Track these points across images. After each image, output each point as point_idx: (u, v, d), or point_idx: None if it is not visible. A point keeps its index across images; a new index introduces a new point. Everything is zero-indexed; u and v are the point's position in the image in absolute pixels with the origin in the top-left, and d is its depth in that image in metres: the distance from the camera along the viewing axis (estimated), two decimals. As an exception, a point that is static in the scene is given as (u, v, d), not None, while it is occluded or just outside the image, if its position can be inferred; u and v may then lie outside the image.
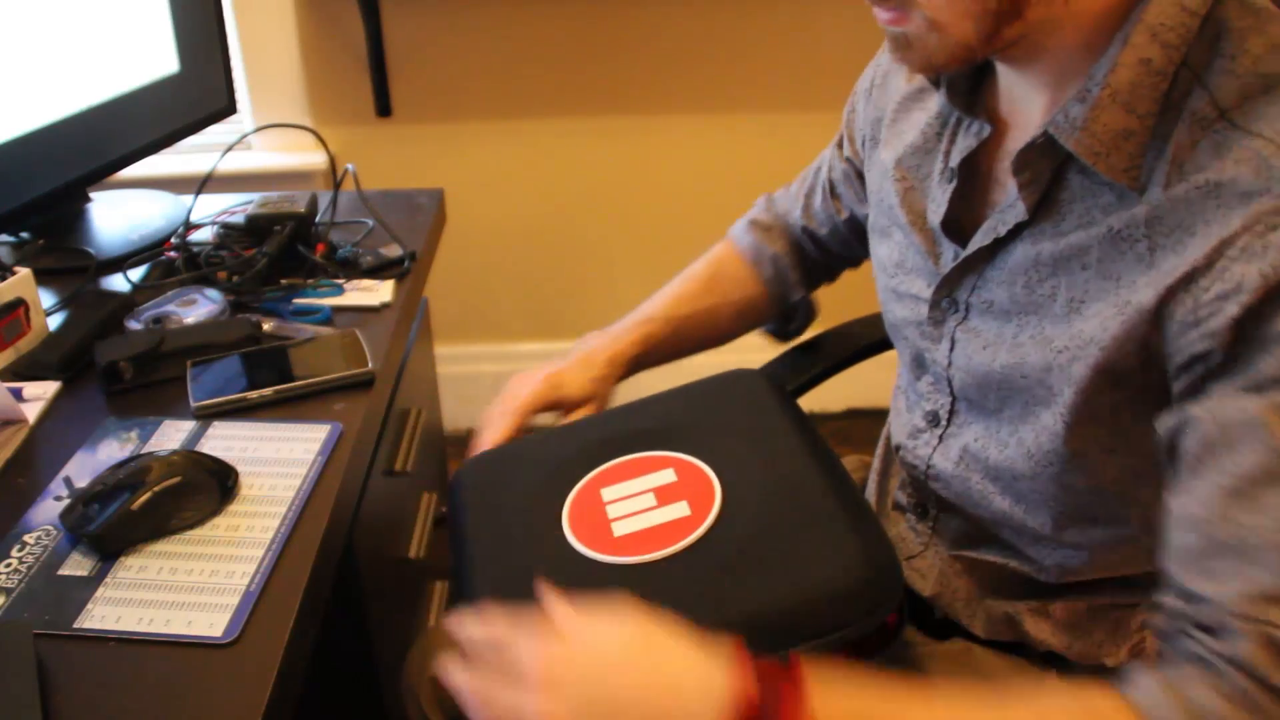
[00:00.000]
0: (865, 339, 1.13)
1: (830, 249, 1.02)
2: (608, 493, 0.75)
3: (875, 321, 0.97)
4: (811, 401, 1.11)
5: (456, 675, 0.61)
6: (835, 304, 1.29)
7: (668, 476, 0.74)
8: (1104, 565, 0.77)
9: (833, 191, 0.98)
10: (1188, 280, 0.59)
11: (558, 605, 0.61)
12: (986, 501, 0.78)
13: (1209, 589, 0.56)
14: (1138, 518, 0.72)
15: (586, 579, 0.68)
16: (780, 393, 0.84)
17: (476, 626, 0.63)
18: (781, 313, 1.07)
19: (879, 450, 0.96)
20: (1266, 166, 0.56)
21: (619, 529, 0.71)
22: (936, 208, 0.76)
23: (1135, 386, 0.64)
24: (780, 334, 1.10)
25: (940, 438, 0.81)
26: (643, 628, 0.59)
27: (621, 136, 1.93)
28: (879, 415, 0.93)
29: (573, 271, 2.06)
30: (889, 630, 0.67)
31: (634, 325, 0.99)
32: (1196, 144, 0.60)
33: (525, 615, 0.62)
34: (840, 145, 0.96)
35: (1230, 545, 0.56)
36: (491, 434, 0.89)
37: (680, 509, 0.71)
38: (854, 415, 2.12)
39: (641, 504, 0.73)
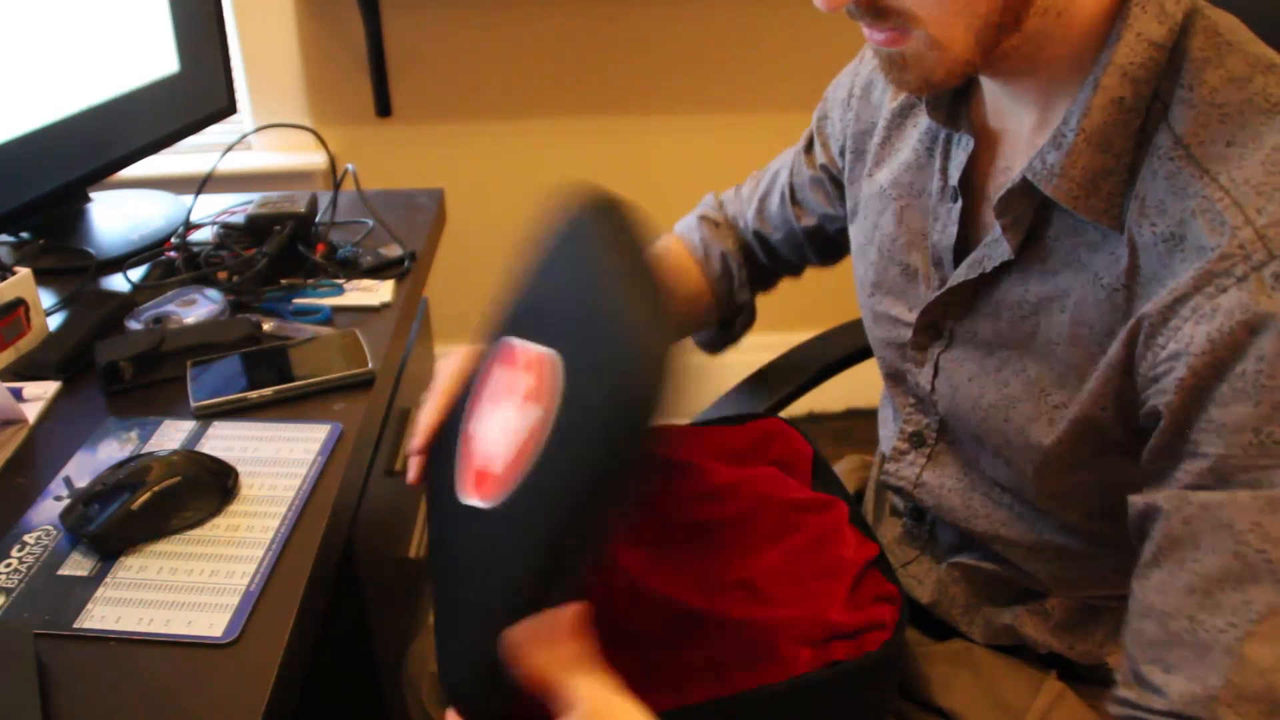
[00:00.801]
0: (864, 339, 1.12)
1: (780, 255, 1.00)
2: (475, 427, 0.70)
3: (875, 322, 0.97)
4: (812, 401, 1.11)
5: None
6: (835, 304, 1.29)
7: (524, 380, 0.67)
8: (1099, 579, 0.77)
9: (794, 197, 0.96)
10: (1149, 335, 0.59)
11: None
12: (980, 517, 0.78)
13: (1160, 680, 0.58)
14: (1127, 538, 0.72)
15: (465, 525, 0.64)
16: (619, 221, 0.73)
17: None
18: (723, 317, 1.03)
19: (878, 454, 0.96)
20: (1220, 221, 0.57)
21: (484, 464, 0.66)
22: (942, 228, 0.75)
23: (1118, 434, 0.65)
24: (715, 344, 1.05)
25: (928, 456, 0.81)
26: None
27: (621, 136, 1.93)
28: (878, 415, 0.93)
29: (573, 271, 2.06)
30: (887, 625, 0.67)
31: None
32: (1155, 174, 0.60)
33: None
34: (809, 150, 0.94)
35: (1186, 641, 0.57)
36: (425, 419, 0.80)
37: (535, 412, 0.63)
38: (854, 415, 2.12)
39: (503, 425, 0.66)
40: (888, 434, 0.87)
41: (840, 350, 1.15)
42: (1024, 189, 0.65)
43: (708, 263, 1.00)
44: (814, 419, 2.13)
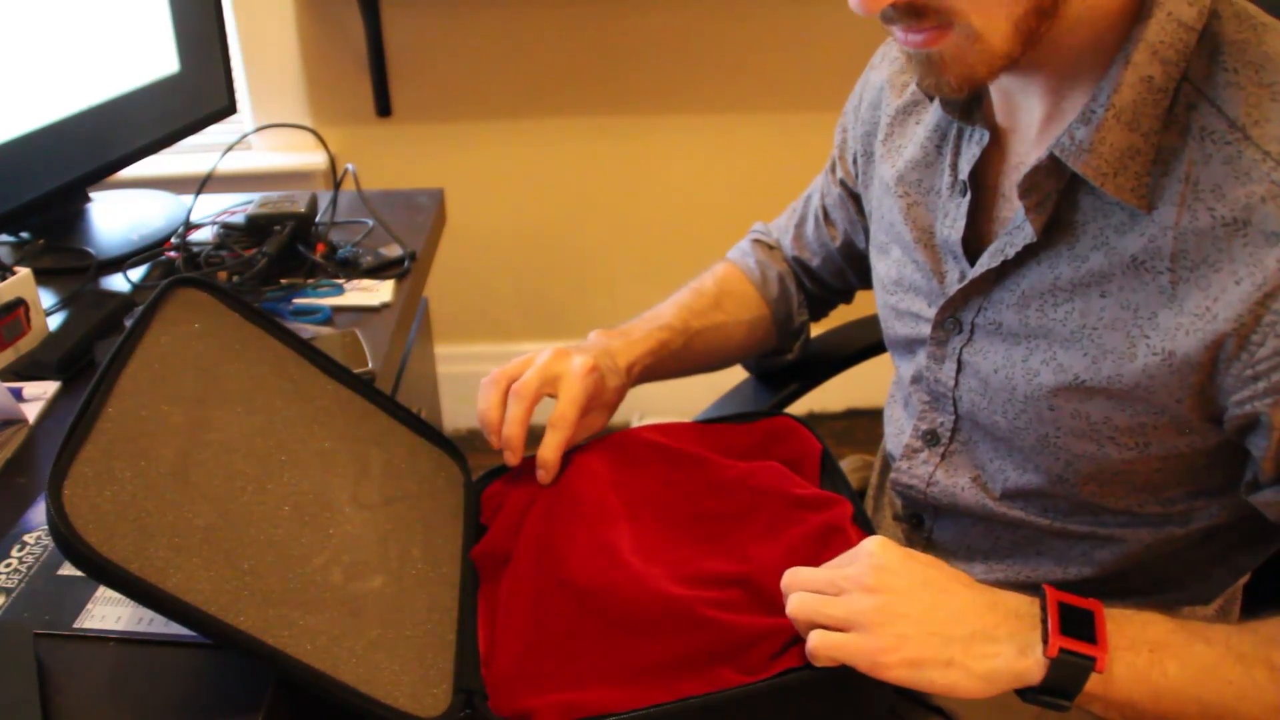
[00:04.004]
0: (864, 339, 1.13)
1: (822, 279, 0.99)
2: None
3: (873, 323, 0.97)
4: (812, 401, 1.11)
5: (790, 605, 0.62)
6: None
7: None
8: (1093, 587, 0.76)
9: (826, 217, 0.96)
10: (1239, 335, 0.60)
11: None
12: (994, 517, 0.77)
13: None
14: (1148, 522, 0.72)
15: None
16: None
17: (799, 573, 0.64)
18: (780, 342, 1.02)
19: (879, 457, 0.96)
20: None
21: None
22: (951, 222, 0.75)
23: (1194, 422, 0.65)
24: (763, 362, 1.05)
25: (943, 456, 0.81)
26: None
27: (622, 137, 1.93)
28: (879, 415, 0.93)
29: (573, 271, 2.06)
30: None
31: (649, 332, 0.90)
32: (1209, 159, 0.60)
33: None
34: (833, 170, 0.94)
35: None
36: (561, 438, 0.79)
37: None
38: (854, 415, 2.12)
39: None
40: (896, 432, 0.86)
41: (839, 351, 1.15)
42: (1050, 167, 0.65)
43: (765, 285, 0.99)
44: (815, 419, 2.13)
